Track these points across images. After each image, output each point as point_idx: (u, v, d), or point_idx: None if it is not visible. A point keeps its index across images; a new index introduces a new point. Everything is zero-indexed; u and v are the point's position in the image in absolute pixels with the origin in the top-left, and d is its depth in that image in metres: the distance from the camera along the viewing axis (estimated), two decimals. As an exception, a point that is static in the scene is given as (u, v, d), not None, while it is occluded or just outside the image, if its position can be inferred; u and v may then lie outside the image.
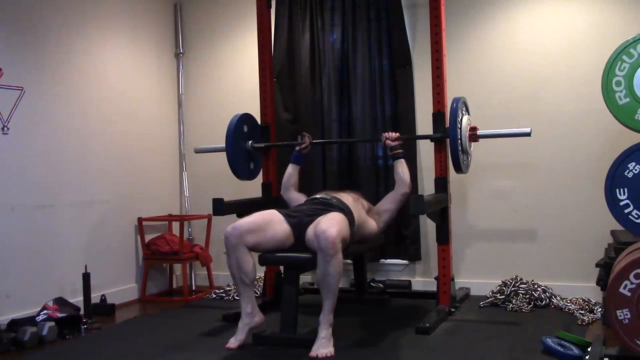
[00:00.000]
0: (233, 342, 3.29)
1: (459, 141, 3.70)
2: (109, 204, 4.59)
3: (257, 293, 4.55)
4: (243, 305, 3.38)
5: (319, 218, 3.34)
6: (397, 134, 3.89)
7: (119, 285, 4.64)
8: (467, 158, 3.91)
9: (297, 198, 3.95)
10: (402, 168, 3.83)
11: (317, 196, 3.71)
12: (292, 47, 4.78)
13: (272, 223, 3.41)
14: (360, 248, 3.92)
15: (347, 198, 3.68)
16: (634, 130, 2.91)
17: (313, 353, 3.09)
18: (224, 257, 5.18)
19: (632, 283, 2.63)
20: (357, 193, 3.91)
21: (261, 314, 3.42)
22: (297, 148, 4.10)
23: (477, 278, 4.44)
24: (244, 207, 4.13)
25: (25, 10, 4.00)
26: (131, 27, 4.90)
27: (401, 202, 3.84)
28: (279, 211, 3.52)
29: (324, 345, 3.12)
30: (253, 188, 4.47)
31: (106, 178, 4.57)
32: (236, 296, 4.55)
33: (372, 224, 3.77)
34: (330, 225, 3.18)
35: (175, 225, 4.98)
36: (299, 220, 3.43)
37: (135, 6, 4.95)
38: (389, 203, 3.87)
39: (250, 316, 3.36)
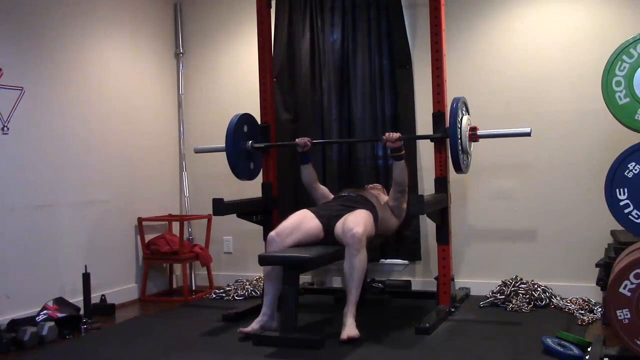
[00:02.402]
0: (246, 329, 3.47)
1: (459, 141, 3.70)
2: (109, 204, 4.59)
3: (256, 293, 4.55)
4: (264, 306, 3.54)
5: (347, 215, 3.62)
6: (398, 134, 3.88)
7: (119, 285, 4.64)
8: (467, 158, 3.91)
9: (324, 192, 4.17)
10: (396, 172, 3.86)
11: (343, 194, 3.98)
12: (292, 47, 4.77)
13: (306, 220, 3.71)
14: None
15: (371, 196, 3.90)
16: (634, 130, 2.91)
17: (344, 336, 3.26)
18: (224, 257, 5.21)
19: (632, 283, 2.63)
20: (379, 189, 4.13)
21: (275, 317, 3.51)
22: (300, 150, 4.10)
23: (477, 278, 4.44)
24: (244, 207, 4.14)
25: (25, 11, 4.00)
26: (131, 27, 4.90)
27: (398, 200, 3.92)
28: (309, 209, 3.81)
29: (351, 330, 3.30)
30: (253, 188, 4.47)
31: (106, 178, 4.57)
32: (236, 296, 4.56)
33: (393, 220, 3.97)
34: (357, 224, 3.48)
35: (175, 225, 4.98)
36: (328, 219, 3.69)
37: (135, 6, 4.95)
38: (391, 200, 3.98)
39: (270, 318, 3.50)
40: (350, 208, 3.73)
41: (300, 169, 4.15)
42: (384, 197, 4.02)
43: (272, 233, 3.63)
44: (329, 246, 3.57)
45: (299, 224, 3.68)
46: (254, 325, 3.49)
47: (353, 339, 3.25)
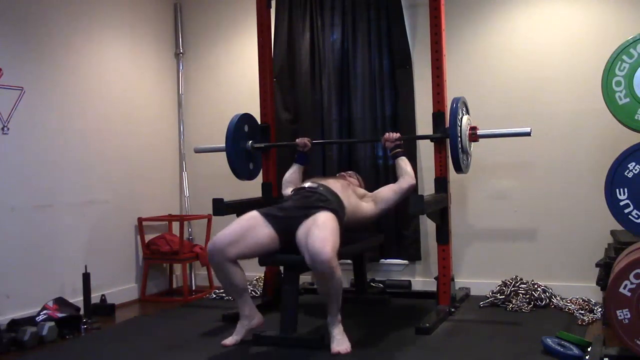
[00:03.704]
0: (229, 340, 3.33)
1: (459, 141, 3.70)
2: (109, 204, 4.59)
3: (256, 293, 4.55)
4: (240, 309, 3.40)
5: (309, 226, 3.17)
6: (398, 135, 3.89)
7: (119, 285, 4.64)
8: (467, 158, 3.91)
9: None
10: (404, 163, 3.78)
11: (305, 185, 3.59)
12: (292, 47, 4.78)
13: (253, 229, 3.31)
14: (360, 248, 3.92)
15: (336, 185, 3.56)
16: (634, 130, 2.92)
17: (335, 350, 3.10)
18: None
19: (632, 283, 2.63)
20: (350, 177, 3.86)
21: (260, 314, 3.43)
22: (299, 149, 4.10)
23: (477, 278, 4.44)
24: (244, 207, 4.12)
25: (25, 11, 4.00)
26: (131, 27, 4.90)
27: (403, 194, 3.69)
28: (260, 212, 3.39)
29: (341, 342, 3.15)
30: (253, 188, 4.47)
31: (106, 178, 4.57)
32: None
33: (366, 209, 3.65)
34: (324, 243, 3.02)
35: (175, 225, 4.98)
36: (285, 225, 3.30)
37: (135, 6, 4.95)
38: (391, 193, 3.71)
39: (249, 318, 3.39)
40: (310, 209, 3.29)
41: (292, 166, 4.09)
42: (357, 188, 3.78)
43: (209, 245, 3.28)
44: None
45: (245, 233, 3.27)
46: (237, 336, 3.32)
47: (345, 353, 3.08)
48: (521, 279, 4.19)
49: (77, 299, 4.06)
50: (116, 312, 4.30)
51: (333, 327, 3.20)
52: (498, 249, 4.44)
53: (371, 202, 3.71)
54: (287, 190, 3.95)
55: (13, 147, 3.88)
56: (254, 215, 3.38)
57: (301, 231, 3.20)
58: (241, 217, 3.41)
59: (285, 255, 3.41)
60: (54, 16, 4.20)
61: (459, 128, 3.71)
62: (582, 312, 3.81)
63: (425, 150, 4.46)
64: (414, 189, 3.73)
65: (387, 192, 3.73)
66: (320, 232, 3.10)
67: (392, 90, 4.58)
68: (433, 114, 3.92)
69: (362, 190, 3.81)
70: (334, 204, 3.40)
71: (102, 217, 4.52)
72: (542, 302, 4.03)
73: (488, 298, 4.13)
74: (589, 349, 2.88)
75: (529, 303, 4.00)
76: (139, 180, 4.90)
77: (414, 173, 3.81)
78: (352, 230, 3.63)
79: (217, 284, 4.97)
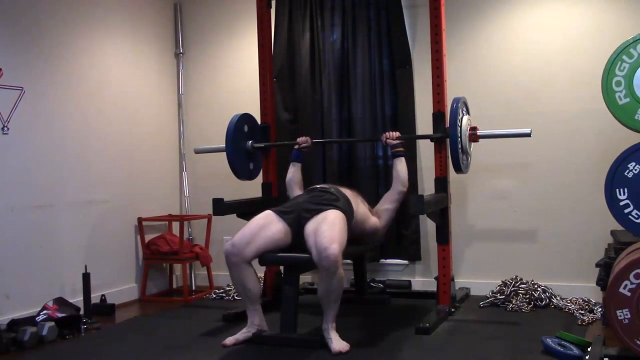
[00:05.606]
0: (229, 340, 3.33)
1: (459, 141, 3.70)
2: (109, 204, 4.59)
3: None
4: (250, 317, 3.42)
5: (318, 220, 3.30)
6: (398, 134, 3.89)
7: (119, 285, 4.64)
8: (467, 158, 3.91)
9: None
10: (401, 166, 3.84)
11: (317, 186, 3.73)
12: (292, 47, 4.78)
13: (267, 225, 3.39)
14: (360, 248, 3.91)
15: (347, 190, 3.69)
16: (634, 130, 2.92)
17: (336, 349, 3.11)
18: (224, 257, 5.20)
19: (632, 283, 2.63)
20: (357, 192, 3.90)
21: (266, 325, 3.44)
22: (297, 147, 4.09)
23: (477, 278, 4.44)
24: (244, 207, 4.14)
25: (25, 11, 4.00)
26: (131, 27, 4.90)
27: (398, 201, 3.85)
28: (273, 210, 3.49)
29: (339, 342, 3.16)
30: (253, 188, 4.47)
31: (106, 178, 4.57)
32: (236, 296, 4.56)
33: (373, 220, 3.77)
34: (332, 239, 3.12)
35: (175, 225, 4.98)
36: (297, 218, 3.41)
37: (135, 6, 4.95)
38: (387, 203, 3.88)
39: (258, 327, 3.40)
40: (321, 206, 3.41)
41: (291, 166, 4.08)
42: (364, 200, 3.85)
43: (228, 245, 3.32)
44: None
45: (259, 230, 3.35)
46: (238, 336, 3.34)
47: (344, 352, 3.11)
48: (521, 279, 4.19)
49: (77, 299, 4.06)
50: (116, 312, 4.30)
51: (328, 331, 3.21)
52: (498, 249, 4.44)
53: (375, 217, 3.82)
54: (293, 191, 3.99)
55: (13, 147, 3.88)
56: (267, 213, 3.47)
57: (310, 226, 3.30)
58: (256, 217, 3.47)
59: (285, 254, 3.42)
60: (54, 16, 4.19)
61: (459, 128, 3.71)
62: (582, 312, 3.81)
63: (425, 150, 4.46)
64: (405, 194, 3.82)
65: (385, 204, 3.88)
66: (329, 229, 3.20)
67: (392, 90, 4.58)
68: (433, 114, 3.92)
69: (367, 206, 3.87)
70: (344, 205, 3.51)
71: (102, 217, 4.52)
72: (542, 302, 4.03)
73: (488, 298, 4.13)
74: (589, 349, 2.88)
75: (529, 303, 4.00)
76: (139, 180, 4.90)
77: (407, 175, 3.85)
78: (360, 243, 3.74)
79: (217, 284, 4.99)
